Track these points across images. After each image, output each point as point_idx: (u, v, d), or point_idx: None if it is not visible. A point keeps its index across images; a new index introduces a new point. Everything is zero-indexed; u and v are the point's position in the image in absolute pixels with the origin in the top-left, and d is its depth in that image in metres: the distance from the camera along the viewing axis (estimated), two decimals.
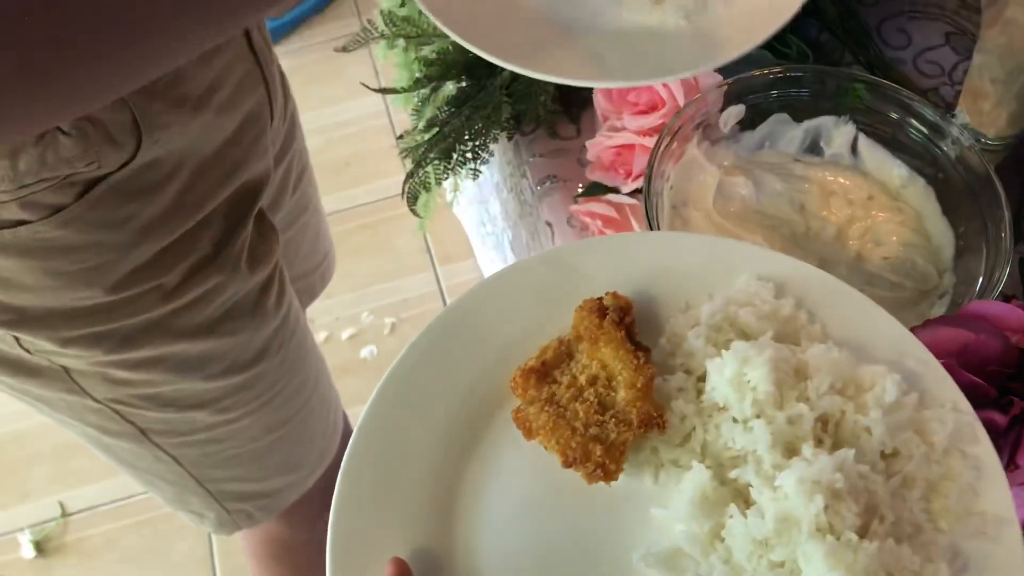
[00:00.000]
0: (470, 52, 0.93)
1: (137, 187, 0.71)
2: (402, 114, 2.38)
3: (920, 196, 0.79)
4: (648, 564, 0.52)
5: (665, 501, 0.54)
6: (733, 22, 0.68)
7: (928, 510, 0.52)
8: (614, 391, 0.56)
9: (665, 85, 0.80)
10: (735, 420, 0.54)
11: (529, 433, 0.55)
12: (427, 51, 1.04)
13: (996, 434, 0.58)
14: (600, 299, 0.58)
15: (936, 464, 0.53)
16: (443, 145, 0.97)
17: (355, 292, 2.08)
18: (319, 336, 2.07)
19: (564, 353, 0.58)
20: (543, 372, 0.57)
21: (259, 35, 0.81)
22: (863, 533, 0.50)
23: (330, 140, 2.39)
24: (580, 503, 0.55)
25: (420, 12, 1.08)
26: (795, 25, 0.89)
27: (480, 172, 0.99)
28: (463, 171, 1.00)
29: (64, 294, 0.74)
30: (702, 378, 0.56)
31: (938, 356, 0.60)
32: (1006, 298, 0.70)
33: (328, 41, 2.56)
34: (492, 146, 0.97)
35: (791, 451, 0.52)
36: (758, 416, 0.53)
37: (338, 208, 2.24)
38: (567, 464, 0.53)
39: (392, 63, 1.22)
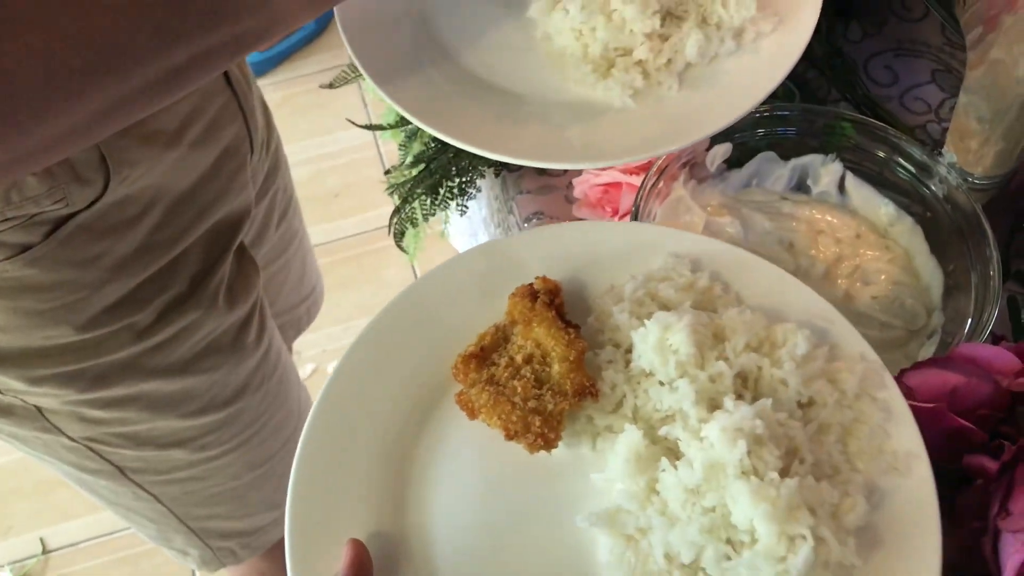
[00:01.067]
0: None
1: (107, 225, 0.70)
2: (391, 145, 2.39)
3: (908, 235, 0.79)
4: (592, 524, 0.55)
5: (603, 466, 0.58)
6: (686, 106, 0.68)
7: (844, 452, 0.56)
8: (549, 366, 0.59)
9: None
10: (661, 383, 0.58)
11: (472, 413, 0.59)
12: None
13: (987, 480, 0.57)
14: (531, 284, 0.61)
15: (848, 409, 0.57)
16: (430, 181, 0.96)
17: (342, 324, 2.06)
18: (306, 369, 2.05)
19: (500, 338, 0.61)
20: (482, 357, 0.60)
21: (236, 67, 0.80)
22: (785, 474, 0.53)
23: (319, 171, 2.38)
24: (525, 475, 0.58)
25: None
26: None
27: (467, 208, 0.98)
28: (450, 207, 0.99)
29: (33, 333, 0.72)
30: (629, 350, 0.60)
31: (928, 399, 0.59)
32: (995, 339, 0.69)
33: (317, 72, 2.56)
34: (479, 182, 0.97)
35: (714, 406, 0.56)
36: (682, 376, 0.57)
37: (326, 239, 2.23)
38: (509, 437, 0.57)
39: (380, 97, 1.21)
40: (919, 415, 0.58)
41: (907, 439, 0.56)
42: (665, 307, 0.61)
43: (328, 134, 2.45)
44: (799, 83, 0.91)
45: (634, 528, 0.55)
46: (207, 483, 0.94)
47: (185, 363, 0.82)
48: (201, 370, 0.84)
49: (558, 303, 0.61)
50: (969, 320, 0.70)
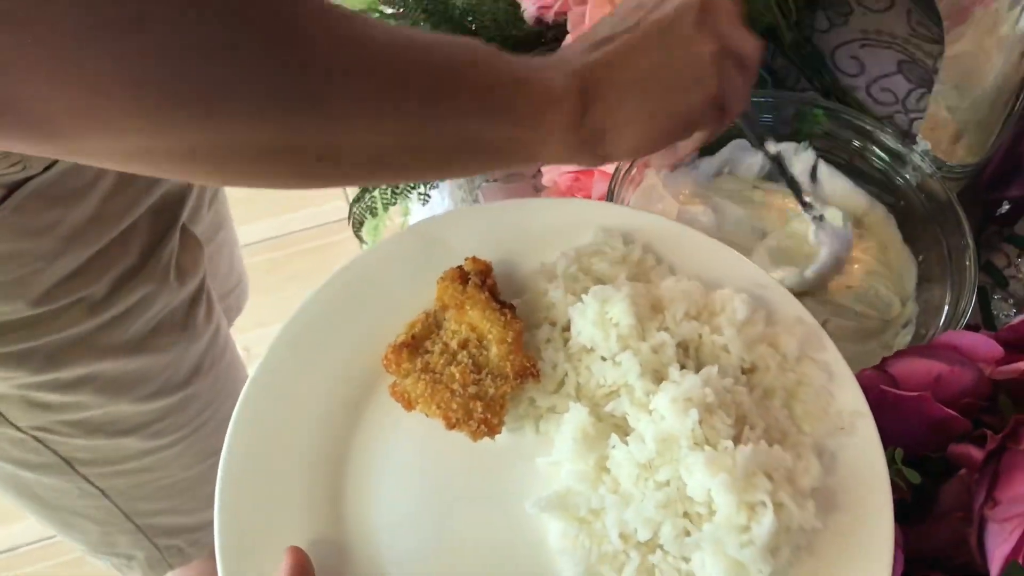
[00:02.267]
0: None
1: (61, 192, 0.68)
2: None
3: (881, 224, 0.78)
4: (542, 509, 0.53)
5: (548, 449, 0.56)
6: None
7: (791, 416, 0.56)
8: (486, 350, 0.57)
9: None
10: (603, 358, 0.56)
11: (409, 404, 0.56)
12: None
13: (972, 469, 0.56)
14: (460, 267, 0.59)
15: (791, 372, 0.57)
16: None
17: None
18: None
19: (432, 324, 0.59)
20: (414, 345, 0.57)
21: None
22: (737, 442, 0.52)
23: None
24: (468, 465, 0.56)
25: None
26: None
27: (429, 197, 0.96)
28: (412, 196, 0.97)
29: None
30: (566, 327, 0.59)
31: (911, 388, 0.58)
32: (969, 329, 0.68)
33: None
34: None
35: (659, 377, 0.55)
36: (624, 349, 0.56)
37: (277, 234, 2.19)
38: (451, 426, 0.54)
39: None
40: (902, 404, 0.57)
41: (850, 398, 0.56)
42: (600, 281, 0.60)
43: None
44: (768, 70, 0.90)
45: (586, 510, 0.53)
46: (157, 474, 0.92)
47: (139, 340, 0.80)
48: (155, 348, 0.82)
49: (490, 284, 0.59)
50: (945, 309, 0.70)
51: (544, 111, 0.52)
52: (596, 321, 0.56)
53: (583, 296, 0.57)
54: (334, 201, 2.18)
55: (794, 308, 0.59)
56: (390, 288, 0.61)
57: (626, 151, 0.57)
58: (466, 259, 0.59)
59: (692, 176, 0.81)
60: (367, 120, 0.46)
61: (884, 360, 0.60)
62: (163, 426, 0.88)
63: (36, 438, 0.82)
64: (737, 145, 0.81)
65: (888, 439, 0.55)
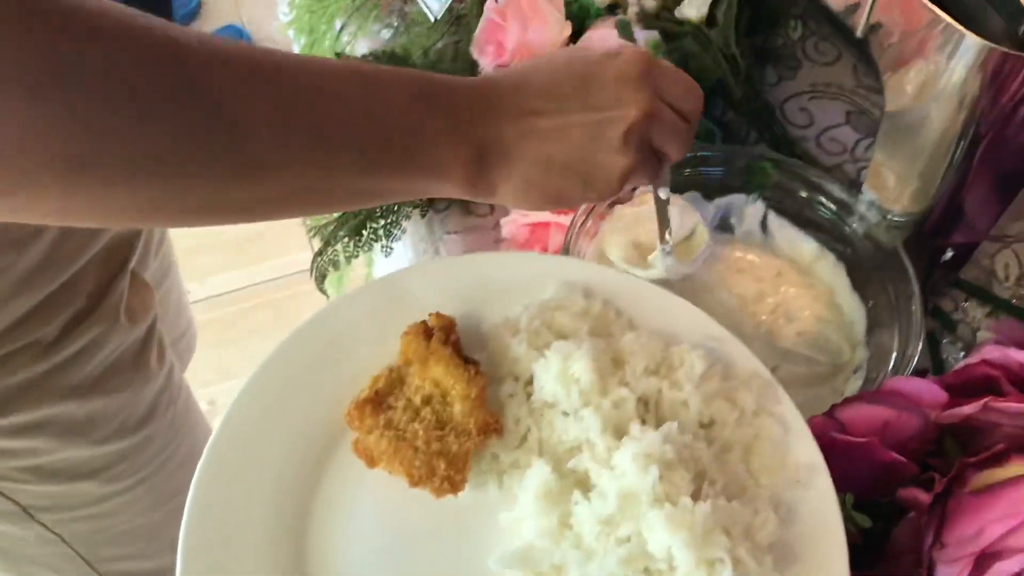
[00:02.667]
0: None
1: (12, 237, 0.69)
2: None
3: (830, 271, 0.80)
4: (505, 565, 0.54)
5: (511, 505, 0.56)
6: None
7: (748, 470, 0.57)
8: (449, 406, 0.57)
9: None
10: (565, 413, 0.57)
11: (372, 461, 0.56)
12: None
13: (920, 512, 0.57)
14: (424, 322, 0.59)
15: (748, 426, 0.58)
16: (353, 222, 0.94)
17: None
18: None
19: (395, 379, 0.59)
20: (377, 401, 0.57)
21: None
22: (696, 497, 0.53)
23: None
24: (430, 522, 0.57)
25: None
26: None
27: (392, 249, 0.97)
28: (375, 249, 0.98)
29: None
30: (529, 382, 0.60)
31: (860, 434, 0.59)
32: (918, 373, 0.70)
33: None
34: (404, 223, 0.96)
35: (620, 433, 0.56)
36: (585, 405, 0.57)
37: (241, 285, 2.18)
38: (414, 483, 0.55)
39: None
40: (851, 450, 0.59)
41: (805, 452, 0.57)
42: (562, 335, 0.61)
43: None
44: (719, 124, 0.93)
45: (548, 565, 0.53)
46: (118, 519, 0.91)
47: (92, 382, 0.80)
48: (109, 390, 0.82)
49: (454, 339, 0.59)
50: (894, 355, 0.71)
51: (444, 172, 0.55)
52: (558, 377, 0.57)
53: (545, 351, 0.58)
54: (298, 253, 2.18)
55: (750, 362, 0.61)
56: (354, 342, 0.61)
57: (521, 206, 0.60)
58: (430, 315, 0.60)
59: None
60: (281, 173, 0.49)
61: (833, 407, 0.62)
62: (121, 469, 0.87)
63: None
64: (689, 198, 0.83)
65: (838, 484, 0.56)
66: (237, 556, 0.54)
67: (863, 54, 0.99)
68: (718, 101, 0.94)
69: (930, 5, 0.65)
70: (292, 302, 2.17)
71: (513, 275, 0.65)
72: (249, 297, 2.16)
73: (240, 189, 0.47)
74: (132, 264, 0.83)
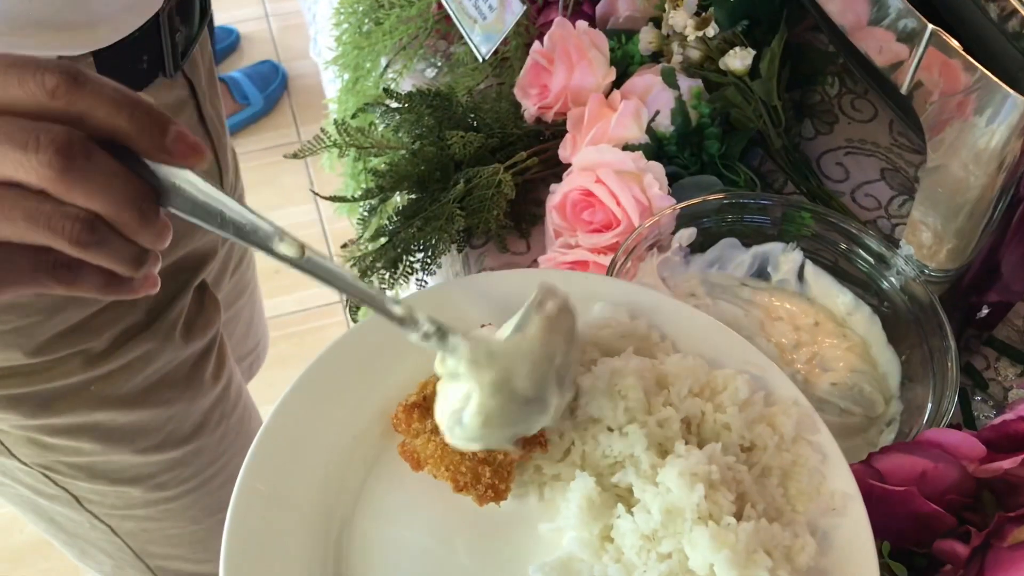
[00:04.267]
0: (422, 164, 0.94)
1: None
2: (336, 223, 2.38)
3: (866, 324, 0.81)
4: (544, 574, 0.54)
5: (552, 516, 0.57)
6: None
7: (786, 495, 0.58)
8: None
9: (620, 204, 0.81)
10: (610, 429, 0.58)
11: (417, 464, 0.57)
12: (376, 162, 1.04)
13: (957, 565, 0.57)
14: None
15: (787, 452, 0.59)
16: (391, 255, 0.96)
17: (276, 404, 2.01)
18: None
19: None
20: (425, 406, 0.58)
21: (211, 107, 0.81)
22: (738, 518, 0.54)
23: None
24: (472, 528, 0.57)
25: (371, 124, 1.09)
26: (742, 154, 0.92)
27: (426, 284, 0.98)
28: (409, 282, 0.99)
29: None
30: (575, 397, 0.59)
31: (898, 483, 0.60)
32: (951, 427, 0.70)
33: (264, 149, 2.56)
34: (441, 258, 0.97)
35: (663, 451, 0.57)
36: (631, 422, 0.57)
37: (267, 316, 2.19)
38: (458, 489, 0.55)
39: (338, 172, 1.22)
40: (889, 499, 0.59)
41: (841, 480, 0.58)
42: (607, 353, 0.61)
43: (273, 210, 2.43)
44: (757, 174, 0.94)
45: None
46: (164, 524, 0.92)
47: (138, 394, 0.81)
48: (155, 403, 0.82)
49: None
50: (928, 408, 0.72)
51: None
52: (606, 392, 0.58)
53: (592, 367, 0.59)
54: (323, 285, 2.19)
55: (790, 391, 0.62)
56: (403, 348, 0.60)
57: None
58: (482, 326, 0.60)
59: (685, 272, 0.83)
60: None
61: (871, 455, 0.62)
62: (167, 479, 0.88)
63: (43, 473, 0.82)
64: (727, 243, 0.84)
65: (874, 532, 0.56)
66: (278, 557, 0.54)
67: (902, 112, 1.00)
68: (757, 150, 0.96)
69: (974, 63, 0.66)
70: (316, 334, 2.18)
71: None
72: (273, 328, 2.17)
73: None
74: (197, 283, 0.83)
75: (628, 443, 0.56)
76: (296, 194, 2.44)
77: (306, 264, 0.48)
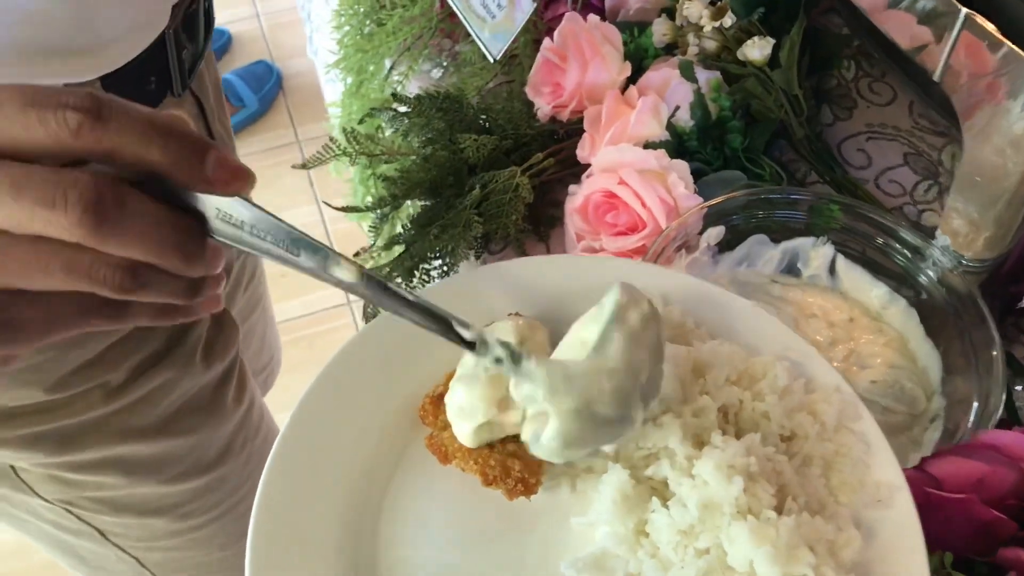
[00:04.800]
0: (434, 170, 0.92)
1: None
2: (338, 223, 2.36)
3: (902, 318, 0.79)
4: (577, 570, 0.52)
5: (583, 509, 0.55)
6: None
7: (828, 486, 0.55)
8: None
9: (646, 206, 0.78)
10: (644, 419, 0.55)
11: (445, 458, 0.55)
12: (387, 169, 1.01)
13: (1022, 573, 0.55)
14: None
15: (829, 442, 0.56)
16: (407, 265, 0.93)
17: (290, 411, 1.99)
18: None
19: None
20: None
21: (220, 125, 0.80)
22: (778, 511, 0.51)
23: None
24: (502, 523, 0.55)
25: (379, 127, 1.06)
26: (766, 147, 0.90)
27: None
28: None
29: (1, 395, 0.69)
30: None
31: (954, 490, 0.57)
32: (1000, 425, 0.68)
33: (262, 151, 2.53)
34: (458, 265, 0.95)
35: (699, 443, 0.54)
36: (665, 412, 0.55)
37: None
38: (488, 482, 0.53)
39: (345, 178, 1.19)
40: (948, 507, 0.57)
41: (887, 470, 0.55)
42: None
43: (275, 212, 2.41)
44: (780, 164, 0.92)
45: (623, 573, 0.52)
46: (192, 553, 0.90)
47: (161, 424, 0.79)
48: (179, 431, 0.81)
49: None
50: (975, 404, 0.70)
51: None
52: None
53: None
54: (331, 288, 2.18)
55: (832, 377, 0.59)
56: (428, 340, 0.60)
57: None
58: (509, 314, 0.58)
59: (714, 269, 0.81)
60: None
61: (924, 460, 0.60)
62: (193, 507, 0.86)
63: (66, 509, 0.80)
64: (756, 240, 0.82)
65: (934, 543, 0.54)
66: (306, 550, 0.53)
67: (923, 96, 0.98)
68: (780, 141, 0.93)
69: (1010, 44, 0.64)
70: (326, 337, 2.16)
71: (588, 279, 0.62)
72: (281, 333, 2.16)
73: None
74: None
75: (663, 434, 0.54)
76: (298, 195, 2.42)
77: (368, 290, 0.45)
